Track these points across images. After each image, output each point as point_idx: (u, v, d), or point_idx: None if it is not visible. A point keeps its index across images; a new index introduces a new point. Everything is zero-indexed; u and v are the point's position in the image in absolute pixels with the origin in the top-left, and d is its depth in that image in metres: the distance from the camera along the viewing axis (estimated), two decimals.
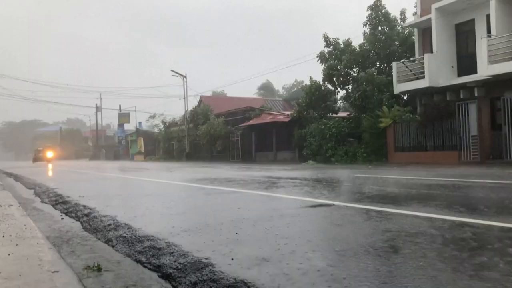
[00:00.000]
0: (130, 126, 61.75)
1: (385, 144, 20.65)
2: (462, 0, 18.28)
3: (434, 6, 19.36)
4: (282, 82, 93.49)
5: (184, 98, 41.13)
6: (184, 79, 41.19)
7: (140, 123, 58.49)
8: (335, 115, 26.34)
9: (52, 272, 2.88)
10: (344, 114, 27.23)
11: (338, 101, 28.55)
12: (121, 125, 61.74)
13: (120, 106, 60.21)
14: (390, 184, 8.54)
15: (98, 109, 64.90)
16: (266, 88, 68.92)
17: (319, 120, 25.23)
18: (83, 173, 18.06)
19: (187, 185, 9.87)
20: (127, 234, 3.91)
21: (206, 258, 2.89)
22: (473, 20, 18.90)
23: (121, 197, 7.86)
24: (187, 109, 41.38)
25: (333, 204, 5.40)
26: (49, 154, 44.22)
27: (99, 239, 4.07)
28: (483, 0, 17.43)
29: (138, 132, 56.65)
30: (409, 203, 5.39)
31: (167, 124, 47.01)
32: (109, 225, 4.47)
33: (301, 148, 26.27)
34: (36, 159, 44.13)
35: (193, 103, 44.67)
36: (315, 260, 2.82)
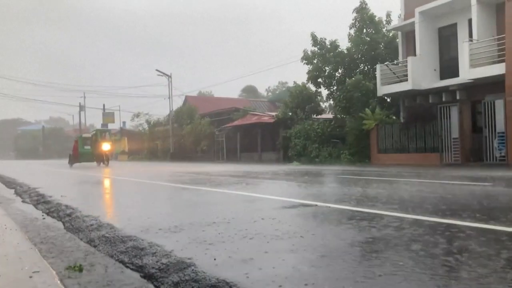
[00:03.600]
0: (114, 126, 61.20)
1: (368, 146, 20.87)
2: (445, 4, 18.57)
3: (417, 10, 19.62)
4: (266, 84, 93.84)
5: (169, 98, 40.94)
6: (169, 78, 41.00)
7: (124, 122, 57.99)
8: (320, 117, 26.52)
9: (33, 272, 2.86)
10: (329, 116, 27.44)
11: (324, 103, 28.79)
12: (105, 125, 61.15)
13: (104, 105, 59.63)
14: (373, 185, 8.62)
15: (81, 108, 64.16)
16: (249, 91, 69.01)
17: (304, 121, 25.37)
18: (64, 173, 17.85)
19: (170, 186, 9.84)
20: (110, 234, 3.89)
21: (189, 258, 2.90)
22: (455, 24, 19.22)
23: (104, 198, 7.81)
24: (172, 109, 41.21)
25: (316, 205, 5.44)
26: (106, 146, 25.31)
27: (81, 239, 4.04)
28: (465, 5, 17.73)
29: (122, 131, 56.16)
30: (392, 204, 5.46)
31: (152, 123, 46.70)
32: (91, 225, 4.44)
33: (286, 149, 26.39)
34: (76, 157, 25.74)
35: (178, 103, 44.41)
36: (297, 261, 2.85)
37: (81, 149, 26.07)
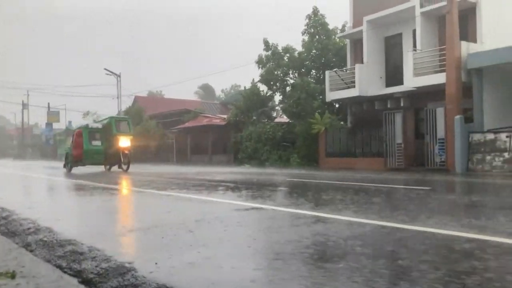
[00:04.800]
0: (60, 125, 59.00)
1: (317, 150, 21.29)
2: (391, 15, 19.29)
3: (365, 19, 20.27)
4: (220, 86, 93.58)
5: (118, 98, 39.98)
6: (118, 78, 40.04)
7: (70, 122, 56.10)
8: (271, 121, 26.82)
9: None
10: (281, 119, 27.80)
11: (276, 107, 29.13)
12: (49, 124, 58.84)
13: (49, 104, 57.38)
14: (321, 188, 8.80)
15: (24, 106, 61.42)
16: (206, 89, 68.62)
17: (255, 124, 25.55)
18: (5, 173, 17.02)
19: (115, 188, 9.61)
20: (48, 238, 3.75)
21: (129, 263, 2.85)
22: (401, 34, 20.01)
23: (45, 199, 7.51)
24: (121, 109, 40.25)
25: (262, 208, 5.48)
26: (124, 142, 17.47)
27: (17, 243, 3.87)
28: (410, 16, 18.49)
29: (68, 131, 54.26)
30: (338, 207, 5.58)
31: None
32: (28, 228, 4.26)
33: (237, 151, 26.45)
34: (78, 157, 17.59)
35: (128, 103, 43.36)
36: (242, 264, 2.86)
37: (87, 146, 17.45)
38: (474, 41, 16.91)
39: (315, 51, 25.12)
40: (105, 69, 40.08)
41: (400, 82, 19.23)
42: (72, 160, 17.58)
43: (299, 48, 25.89)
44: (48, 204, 6.96)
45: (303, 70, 25.40)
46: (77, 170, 17.75)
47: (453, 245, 3.32)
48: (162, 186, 9.62)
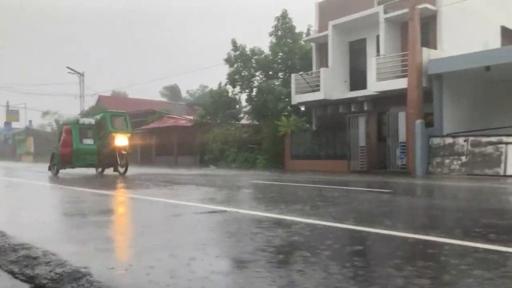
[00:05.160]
0: (19, 125, 57.08)
1: (283, 152, 21.44)
2: (356, 20, 19.64)
3: (331, 23, 20.56)
4: (187, 86, 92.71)
5: (81, 97, 39.07)
6: (81, 77, 39.14)
7: (30, 121, 54.42)
8: (238, 123, 26.83)
9: None
10: (247, 121, 27.84)
11: (243, 109, 29.16)
12: (8, 123, 56.90)
13: (8, 102, 55.43)
14: (284, 190, 8.85)
15: None
16: (172, 90, 67.87)
17: (222, 125, 25.50)
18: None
19: (72, 189, 9.37)
20: (0, 243, 3.62)
21: (85, 267, 2.78)
22: (365, 39, 20.40)
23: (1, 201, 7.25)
24: (83, 109, 39.34)
25: (226, 211, 5.47)
26: (122, 140, 15.51)
27: None
28: (374, 22, 18.89)
29: (28, 131, 52.61)
30: (303, 210, 5.63)
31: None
32: None
33: (203, 153, 26.31)
34: (66, 158, 15.23)
35: (91, 103, 42.39)
36: (203, 268, 2.83)
37: (77, 145, 15.16)
38: (435, 47, 17.43)
39: (282, 54, 25.32)
40: (68, 67, 39.14)
41: (364, 86, 19.62)
42: (59, 162, 15.23)
43: (267, 50, 26.04)
44: (3, 207, 6.71)
45: (270, 72, 25.55)
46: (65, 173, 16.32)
47: (417, 248, 3.40)
48: (131, 186, 9.45)
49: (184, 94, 70.40)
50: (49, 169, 15.78)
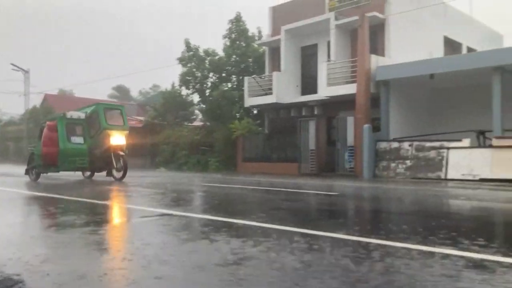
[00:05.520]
0: None
1: (235, 154, 21.46)
2: (307, 25, 19.97)
3: (283, 28, 20.80)
4: (139, 86, 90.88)
5: (25, 95, 37.44)
6: (26, 74, 37.53)
7: None
8: (190, 124, 26.59)
9: None
10: (200, 123, 27.64)
11: (195, 111, 28.93)
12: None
13: None
14: (233, 194, 8.84)
15: None
16: (121, 90, 66.35)
17: (174, 127, 25.19)
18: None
19: (5, 190, 8.97)
20: None
21: (17, 275, 2.65)
22: (316, 45, 20.77)
23: None
24: (28, 107, 37.76)
25: (172, 214, 5.39)
26: (118, 139, 12.98)
27: None
28: (325, 28, 19.27)
29: None
30: (251, 213, 5.63)
31: (3, 123, 42.37)
32: None
33: (154, 154, 25.87)
34: (50, 160, 12.88)
35: (37, 101, 40.73)
36: (146, 275, 2.77)
37: (64, 144, 12.77)
38: (383, 54, 18.01)
39: (235, 56, 25.37)
40: (12, 64, 37.41)
41: (314, 91, 19.96)
42: (41, 165, 12.80)
43: (221, 52, 26.00)
44: None
45: (223, 74, 25.52)
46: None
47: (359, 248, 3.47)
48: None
49: (136, 94, 69.04)
50: (27, 173, 13.45)
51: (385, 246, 3.49)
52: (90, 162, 13.12)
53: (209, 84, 25.67)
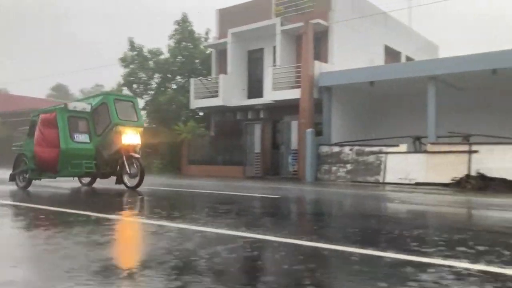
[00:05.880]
0: None
1: (180, 157, 21.25)
2: (254, 30, 20.16)
3: (230, 31, 20.88)
4: (80, 85, 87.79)
5: None
6: None
7: None
8: None
9: None
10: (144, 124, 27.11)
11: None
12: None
13: None
14: (173, 196, 8.75)
15: None
16: (60, 90, 63.90)
17: None
18: None
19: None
20: None
21: None
22: (262, 49, 21.02)
23: None
24: None
25: (108, 218, 5.27)
26: (132, 138, 10.14)
27: None
28: (271, 33, 19.53)
29: None
30: (186, 216, 5.60)
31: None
32: None
33: None
34: (45, 164, 10.00)
35: None
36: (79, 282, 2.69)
37: (66, 143, 9.86)
38: (326, 61, 18.50)
39: (181, 57, 25.09)
40: None
41: (260, 94, 20.17)
42: (34, 169, 10.11)
43: (167, 53, 25.62)
44: None
45: (168, 75, 25.17)
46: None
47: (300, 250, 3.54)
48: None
49: (77, 93, 66.73)
50: (12, 179, 10.59)
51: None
52: (97, 166, 10.32)
53: (154, 84, 25.24)
